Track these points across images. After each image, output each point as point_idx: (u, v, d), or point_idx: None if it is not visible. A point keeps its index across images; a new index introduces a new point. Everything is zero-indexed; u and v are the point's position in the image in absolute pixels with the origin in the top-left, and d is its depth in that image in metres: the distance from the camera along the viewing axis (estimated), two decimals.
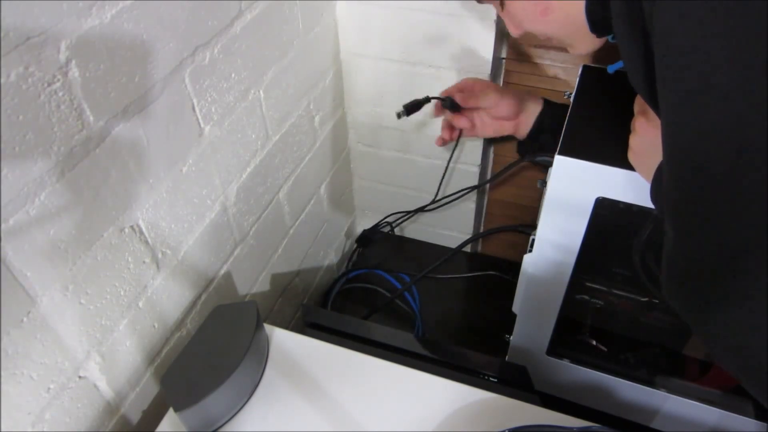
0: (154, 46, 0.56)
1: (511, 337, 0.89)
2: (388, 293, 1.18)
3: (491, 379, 0.81)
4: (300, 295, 1.10)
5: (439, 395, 0.69)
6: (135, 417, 0.69)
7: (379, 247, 1.28)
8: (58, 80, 0.47)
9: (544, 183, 0.70)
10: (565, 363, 0.88)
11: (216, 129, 0.70)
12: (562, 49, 0.90)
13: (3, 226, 0.46)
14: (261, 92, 0.78)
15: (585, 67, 0.80)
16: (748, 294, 0.40)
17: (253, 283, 0.91)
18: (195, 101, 0.65)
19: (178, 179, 0.66)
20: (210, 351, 0.67)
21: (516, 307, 0.85)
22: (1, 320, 0.48)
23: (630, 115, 0.62)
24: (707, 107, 0.38)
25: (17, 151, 0.45)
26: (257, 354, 0.70)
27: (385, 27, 0.94)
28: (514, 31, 0.67)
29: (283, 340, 0.76)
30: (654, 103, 0.45)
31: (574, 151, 0.65)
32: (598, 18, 0.56)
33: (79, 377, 0.59)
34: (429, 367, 0.73)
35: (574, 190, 0.67)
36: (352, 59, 1.01)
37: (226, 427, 0.67)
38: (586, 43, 0.61)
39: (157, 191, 0.63)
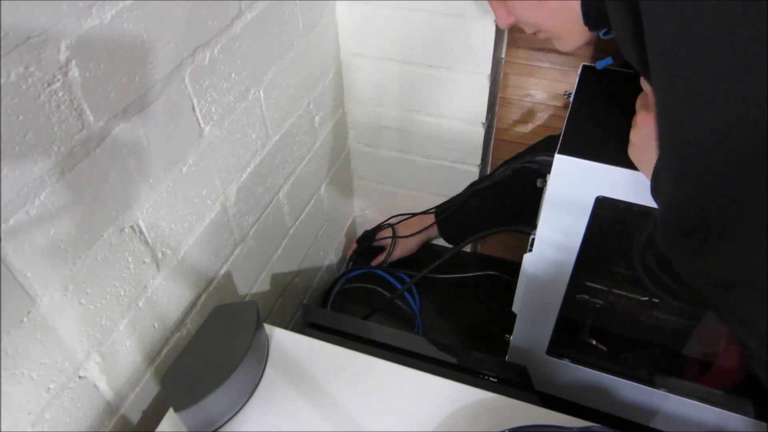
0: (154, 46, 0.56)
1: (511, 337, 0.89)
2: (388, 293, 1.18)
3: (491, 379, 0.81)
4: (300, 295, 1.11)
5: (439, 395, 0.69)
6: (135, 417, 0.69)
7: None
8: (58, 80, 0.47)
9: (544, 182, 0.70)
10: (565, 363, 0.88)
11: (216, 129, 0.70)
12: (555, 51, 0.90)
13: (3, 226, 0.46)
14: (261, 92, 0.78)
15: (585, 67, 0.80)
16: (747, 228, 0.42)
17: (253, 283, 0.91)
18: (195, 101, 0.65)
19: (178, 179, 0.66)
20: (210, 351, 0.67)
21: (516, 307, 0.85)
22: (1, 320, 0.48)
23: (630, 114, 0.62)
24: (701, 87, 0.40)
25: (17, 151, 0.45)
26: (257, 354, 0.70)
27: (385, 27, 0.94)
28: (503, 20, 0.65)
29: (283, 340, 0.76)
30: (647, 73, 0.47)
31: (573, 150, 0.65)
32: (591, 10, 0.56)
33: (79, 377, 0.59)
34: (429, 367, 0.73)
35: (574, 190, 0.67)
36: (352, 59, 1.01)
37: (226, 427, 0.67)
38: (576, 36, 0.62)
39: (157, 191, 0.63)
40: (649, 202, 0.59)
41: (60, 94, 0.47)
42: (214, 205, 0.75)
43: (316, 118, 0.98)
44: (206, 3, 0.62)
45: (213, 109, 0.69)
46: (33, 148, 0.46)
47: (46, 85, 0.46)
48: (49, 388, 0.55)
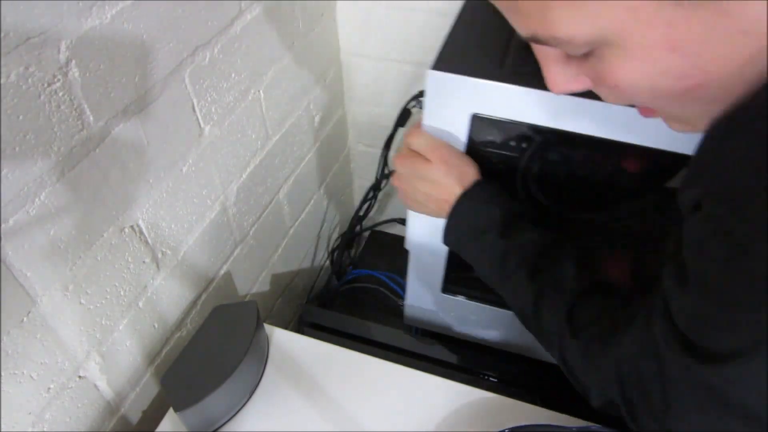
0: (154, 46, 0.56)
1: (407, 277, 0.84)
2: (389, 293, 1.18)
3: (491, 379, 0.81)
4: (300, 295, 1.11)
5: (439, 395, 0.69)
6: (135, 417, 0.69)
7: (380, 246, 1.28)
8: (58, 80, 0.47)
9: (420, 103, 0.64)
10: (461, 299, 0.83)
11: (216, 129, 0.70)
12: None
13: (3, 226, 0.46)
14: (261, 92, 0.78)
15: None
16: None
17: (253, 283, 0.91)
18: (195, 101, 0.65)
19: (178, 179, 0.66)
20: (210, 351, 0.67)
21: (408, 244, 0.79)
22: (1, 320, 0.48)
23: (516, 47, 0.59)
24: None
25: (17, 151, 0.45)
26: (257, 354, 0.70)
27: (384, 27, 0.94)
28: (567, 87, 0.41)
29: (283, 340, 0.76)
30: None
31: (447, 65, 0.59)
32: None
33: (79, 377, 0.59)
34: (429, 367, 0.73)
35: (449, 108, 0.61)
36: (352, 59, 1.01)
37: (226, 427, 0.67)
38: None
39: (157, 191, 0.63)
40: (529, 119, 0.58)
41: (60, 94, 0.47)
42: (214, 205, 0.75)
43: (316, 118, 0.98)
44: (206, 3, 0.62)
45: (213, 109, 0.69)
46: (33, 148, 0.46)
47: (46, 85, 0.46)
48: (49, 388, 0.55)
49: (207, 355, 0.67)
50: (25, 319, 0.50)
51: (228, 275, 0.82)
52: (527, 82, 0.56)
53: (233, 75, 0.71)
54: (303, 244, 1.06)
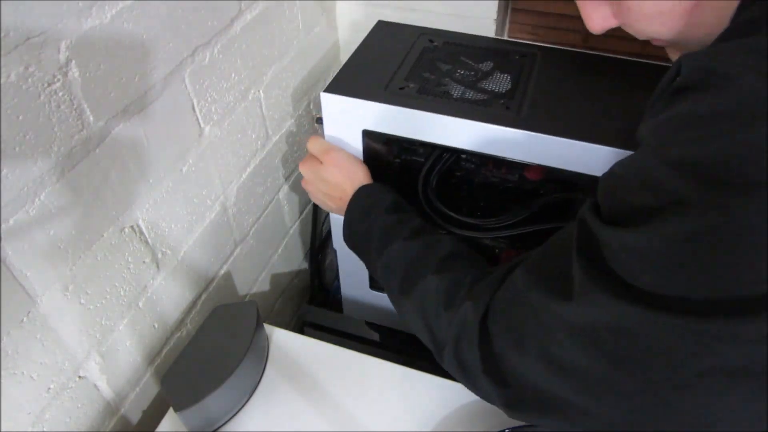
0: (154, 46, 0.56)
1: (339, 272, 0.89)
2: None
3: None
4: (300, 295, 1.11)
5: (439, 395, 0.69)
6: (135, 417, 0.69)
7: None
8: (58, 80, 0.47)
9: (320, 120, 0.72)
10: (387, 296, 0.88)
11: (216, 129, 0.70)
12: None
13: (3, 226, 0.46)
14: (261, 92, 0.78)
15: (380, 22, 0.82)
16: None
17: (253, 283, 0.91)
18: (195, 101, 0.65)
19: (178, 179, 0.66)
20: (210, 351, 0.67)
21: (335, 243, 0.84)
22: (1, 320, 0.48)
23: (406, 69, 0.68)
24: None
25: (17, 151, 0.45)
26: (257, 354, 0.70)
27: None
28: (601, 24, 0.50)
29: (283, 340, 0.76)
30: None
31: (339, 88, 0.68)
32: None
33: (79, 377, 0.59)
34: (429, 367, 0.73)
35: (343, 124, 0.70)
36: None
37: (226, 427, 0.67)
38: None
39: (157, 191, 0.63)
40: (408, 134, 0.66)
41: (60, 94, 0.47)
42: (214, 205, 0.75)
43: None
44: (206, 3, 0.62)
45: (213, 109, 0.69)
46: (33, 148, 0.46)
47: (46, 85, 0.46)
48: (49, 388, 0.55)
49: (207, 355, 0.67)
50: (25, 319, 0.50)
51: (228, 275, 0.82)
52: (405, 103, 0.65)
53: (233, 75, 0.71)
54: (303, 244, 1.06)
